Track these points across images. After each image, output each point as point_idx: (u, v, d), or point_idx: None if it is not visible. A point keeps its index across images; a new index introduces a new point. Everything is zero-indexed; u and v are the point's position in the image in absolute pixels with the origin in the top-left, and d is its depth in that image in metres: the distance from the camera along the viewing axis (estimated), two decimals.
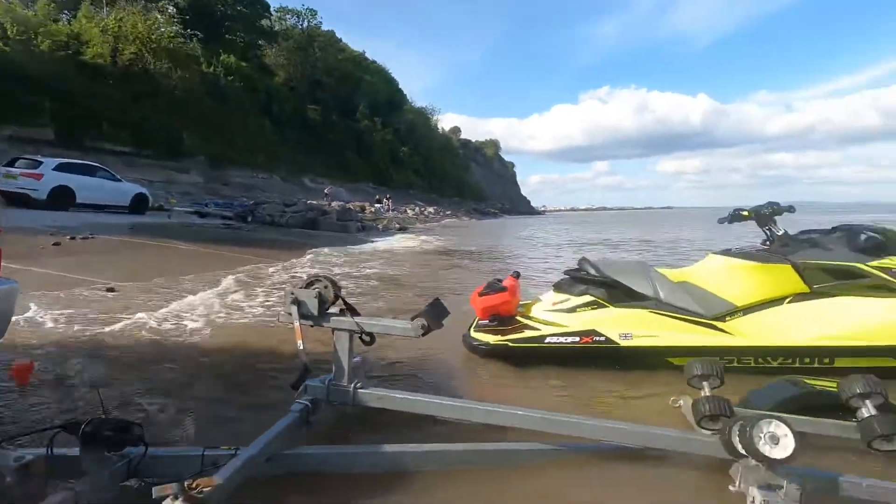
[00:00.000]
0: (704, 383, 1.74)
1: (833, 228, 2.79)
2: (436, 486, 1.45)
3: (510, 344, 2.69)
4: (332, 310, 1.76)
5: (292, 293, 1.66)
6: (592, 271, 2.84)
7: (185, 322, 3.60)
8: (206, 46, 32.59)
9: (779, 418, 1.29)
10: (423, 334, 1.63)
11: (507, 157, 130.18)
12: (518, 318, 2.84)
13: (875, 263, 2.48)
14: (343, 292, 1.77)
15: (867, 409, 1.59)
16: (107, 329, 3.27)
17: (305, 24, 45.92)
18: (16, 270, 4.77)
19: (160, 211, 15.04)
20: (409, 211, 33.27)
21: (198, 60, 31.03)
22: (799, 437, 1.25)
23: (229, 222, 14.84)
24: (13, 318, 1.94)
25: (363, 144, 49.30)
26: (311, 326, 1.71)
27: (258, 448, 1.36)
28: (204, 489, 1.13)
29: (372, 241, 14.24)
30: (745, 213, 2.91)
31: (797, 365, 2.49)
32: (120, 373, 2.41)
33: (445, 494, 1.42)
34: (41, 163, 12.00)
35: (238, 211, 17.02)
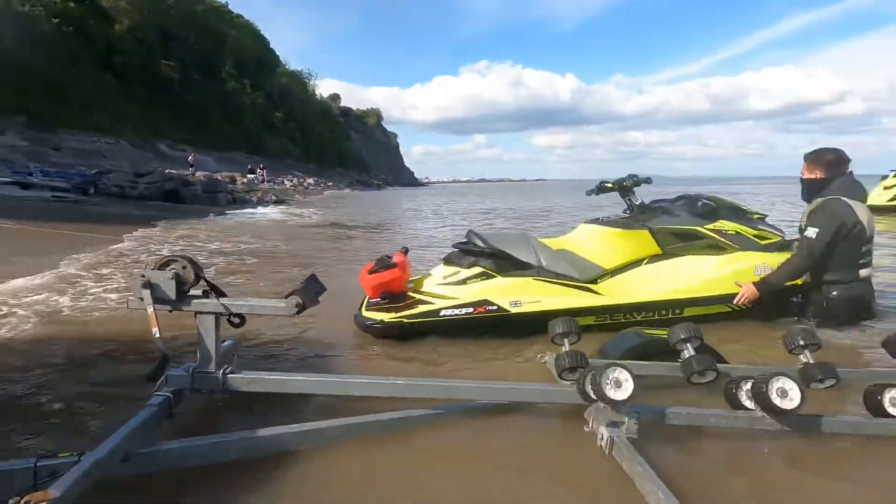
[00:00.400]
0: (565, 340, 1.93)
1: (678, 197, 3.22)
2: (316, 463, 1.44)
3: (405, 321, 2.67)
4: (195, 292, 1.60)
5: (143, 276, 1.47)
6: (480, 243, 2.92)
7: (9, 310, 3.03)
8: None
9: (622, 366, 1.49)
10: (298, 312, 1.56)
11: (389, 128, 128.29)
12: (409, 293, 2.81)
13: (710, 226, 2.96)
14: (210, 273, 1.61)
15: (688, 351, 1.91)
16: None
17: None
18: None
19: None
20: (286, 182, 31.32)
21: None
22: (636, 379, 1.46)
23: (63, 194, 12.60)
24: None
25: (231, 107, 44.87)
26: (170, 311, 1.54)
27: (106, 450, 1.21)
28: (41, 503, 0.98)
29: (247, 214, 13.20)
30: (610, 185, 3.24)
31: (656, 317, 2.86)
32: None
33: (325, 472, 1.41)
34: None
35: (77, 182, 14.52)
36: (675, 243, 2.98)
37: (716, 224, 2.98)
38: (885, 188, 11.22)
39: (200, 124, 38.18)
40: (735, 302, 2.80)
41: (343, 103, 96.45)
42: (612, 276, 2.91)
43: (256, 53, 54.14)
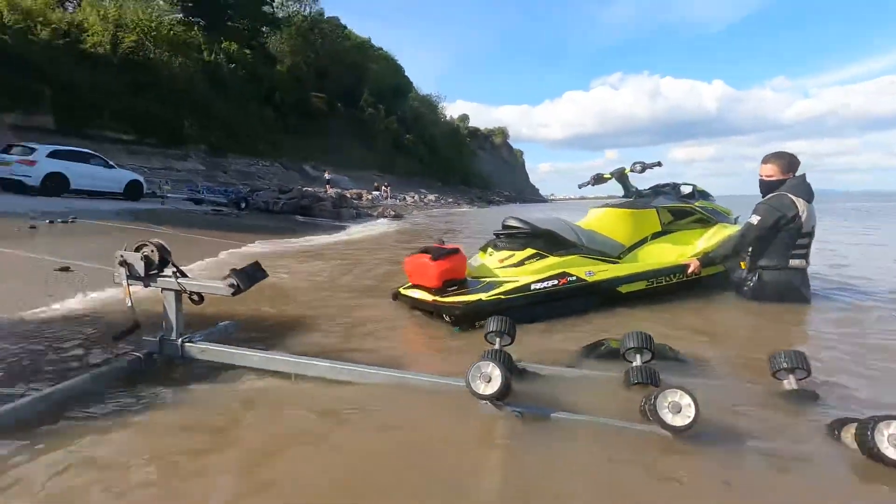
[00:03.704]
0: (497, 339, 1.92)
1: (664, 184, 3.73)
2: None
3: (503, 296, 2.69)
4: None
5: (121, 255, 1.86)
6: (524, 227, 3.09)
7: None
8: (207, 34, 32.80)
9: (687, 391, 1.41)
10: (234, 294, 1.82)
11: (517, 146, 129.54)
12: (472, 278, 2.88)
13: (698, 204, 3.63)
14: (175, 257, 1.96)
15: (636, 362, 1.78)
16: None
17: (308, 10, 45.84)
18: None
19: (154, 198, 15.39)
20: (407, 198, 33.42)
21: (199, 48, 31.27)
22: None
23: (221, 209, 15.17)
24: None
25: (367, 132, 49.39)
26: (143, 287, 1.92)
27: (71, 384, 1.59)
28: None
29: (347, 227, 14.49)
30: (607, 175, 3.66)
31: (674, 280, 3.27)
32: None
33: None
34: (34, 150, 12.36)
35: (233, 198, 17.35)
36: (670, 220, 3.51)
37: (698, 203, 3.64)
38: None
39: (339, 147, 42.68)
40: (687, 272, 3.26)
41: (472, 123, 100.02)
42: (630, 251, 3.35)
43: (393, 82, 59.11)
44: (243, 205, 16.61)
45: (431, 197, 38.62)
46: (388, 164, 49.65)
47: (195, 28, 31.14)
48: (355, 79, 49.79)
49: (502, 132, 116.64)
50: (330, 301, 3.61)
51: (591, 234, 3.23)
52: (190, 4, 33.52)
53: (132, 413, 1.61)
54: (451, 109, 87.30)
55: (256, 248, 8.10)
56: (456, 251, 2.81)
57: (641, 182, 3.82)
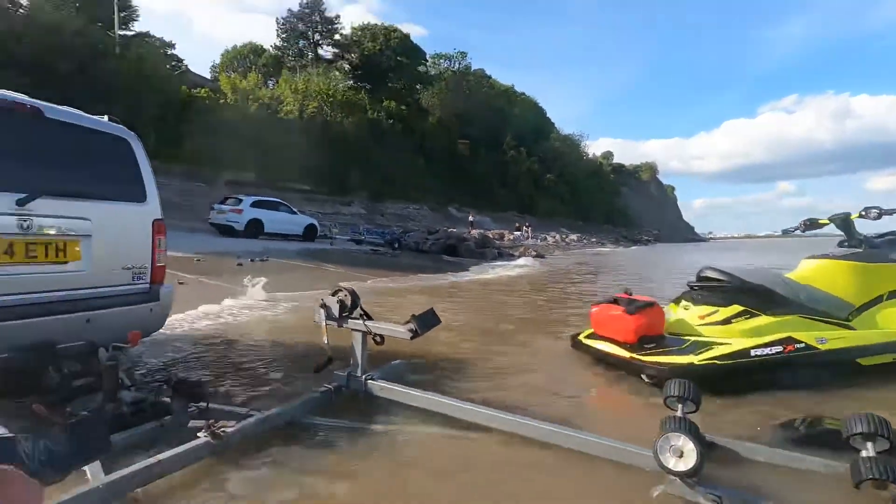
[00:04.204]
0: (679, 405, 1.74)
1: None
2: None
3: (717, 362, 2.38)
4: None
5: (322, 299, 2.16)
6: (727, 279, 2.79)
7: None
8: (371, 95, 37.48)
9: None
10: (412, 338, 1.97)
11: (667, 181, 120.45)
12: (668, 335, 2.65)
13: None
14: (363, 301, 2.21)
15: (867, 451, 1.47)
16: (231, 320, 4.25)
17: (457, 65, 49.61)
18: (200, 281, 6.31)
19: (325, 239, 17.65)
20: (549, 238, 33.01)
21: (364, 108, 35.81)
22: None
23: (378, 248, 16.77)
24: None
25: (508, 174, 50.61)
26: (338, 327, 2.19)
27: (275, 413, 1.86)
28: (224, 429, 1.65)
29: (491, 266, 14.70)
30: (823, 221, 3.06)
31: None
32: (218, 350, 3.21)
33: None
34: (241, 200, 15.22)
35: (388, 238, 19.08)
36: None
37: None
38: None
39: (482, 190, 44.36)
40: None
41: (616, 159, 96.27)
42: (860, 312, 2.77)
43: (534, 124, 60.15)
44: (397, 245, 18.13)
45: (573, 236, 37.61)
46: (529, 205, 49.93)
47: (362, 91, 35.85)
48: (498, 123, 51.85)
49: (650, 167, 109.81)
50: (473, 343, 3.68)
51: (810, 290, 2.77)
52: (359, 72, 38.86)
53: (330, 438, 1.83)
54: (594, 147, 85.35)
55: (379, 284, 8.67)
56: (652, 305, 2.62)
57: (865, 227, 3.21)
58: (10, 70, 13.48)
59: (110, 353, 1.82)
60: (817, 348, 2.45)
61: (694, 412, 1.74)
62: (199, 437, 1.60)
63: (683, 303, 2.83)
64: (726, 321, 2.61)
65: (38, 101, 2.35)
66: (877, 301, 2.77)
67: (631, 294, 2.82)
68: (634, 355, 2.53)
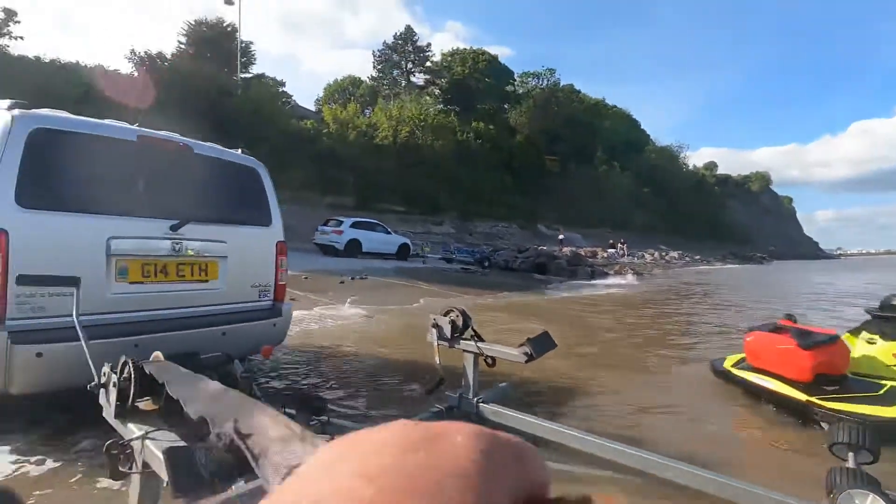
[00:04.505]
0: (852, 455, 1.48)
1: None
2: None
3: None
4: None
5: (434, 318, 2.17)
6: None
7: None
8: (461, 117, 38.36)
9: None
10: (527, 361, 1.90)
11: (782, 191, 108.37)
12: (851, 376, 2.24)
13: None
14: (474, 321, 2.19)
15: None
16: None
17: (545, 83, 49.22)
18: (312, 300, 6.75)
19: (417, 257, 18.17)
20: (646, 256, 31.05)
21: (454, 130, 36.72)
22: None
23: (469, 267, 16.89)
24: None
25: (600, 190, 48.74)
26: (449, 347, 2.18)
27: None
28: None
29: (584, 285, 14.04)
30: None
31: None
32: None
33: None
34: (342, 222, 16.21)
35: (477, 257, 19.18)
36: None
37: None
38: None
39: (572, 206, 43.09)
40: None
41: (721, 170, 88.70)
42: None
43: (627, 136, 57.58)
44: (486, 263, 18.13)
45: (674, 254, 35.02)
46: (623, 221, 47.54)
47: (452, 114, 36.83)
48: (588, 137, 50.36)
49: (762, 177, 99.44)
50: (585, 367, 3.49)
51: None
52: (449, 96, 40.06)
53: None
54: (695, 158, 79.35)
55: (469, 301, 8.58)
56: (834, 340, 2.21)
57: None
58: (159, 115, 15.75)
59: (245, 364, 1.97)
60: None
61: (870, 464, 1.46)
62: None
63: (866, 335, 2.38)
64: None
65: (188, 139, 2.67)
66: None
67: (795, 321, 2.44)
68: (813, 399, 2.12)
